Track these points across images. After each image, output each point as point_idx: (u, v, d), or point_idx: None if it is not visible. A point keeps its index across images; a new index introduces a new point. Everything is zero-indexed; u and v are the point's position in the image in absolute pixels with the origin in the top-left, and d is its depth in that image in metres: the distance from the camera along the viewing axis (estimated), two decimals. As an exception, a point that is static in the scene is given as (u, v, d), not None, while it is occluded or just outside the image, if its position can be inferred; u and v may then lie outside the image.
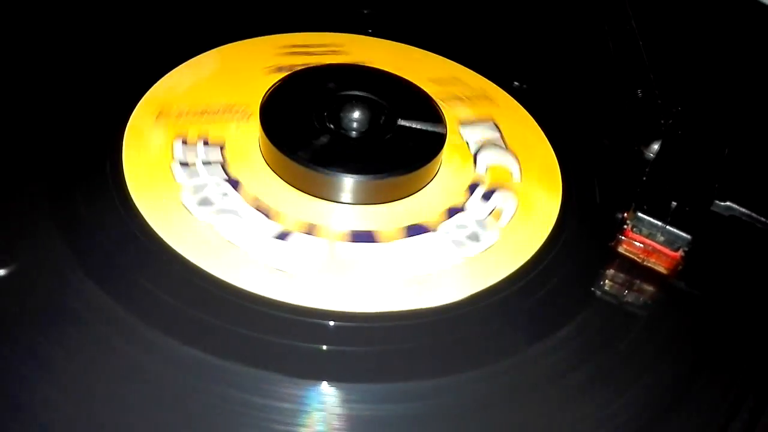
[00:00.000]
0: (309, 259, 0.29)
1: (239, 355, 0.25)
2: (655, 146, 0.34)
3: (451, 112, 0.35)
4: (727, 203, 0.32)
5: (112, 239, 0.28)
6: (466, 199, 0.32)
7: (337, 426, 0.24)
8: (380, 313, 0.27)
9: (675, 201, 0.31)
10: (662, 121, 0.34)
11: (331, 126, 0.32)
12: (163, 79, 0.35)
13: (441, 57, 0.39)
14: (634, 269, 0.30)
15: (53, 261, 0.27)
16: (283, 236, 0.29)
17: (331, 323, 0.27)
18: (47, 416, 0.23)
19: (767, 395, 0.27)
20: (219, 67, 0.37)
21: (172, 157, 0.32)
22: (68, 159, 0.31)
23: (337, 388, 0.25)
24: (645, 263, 0.31)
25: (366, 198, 0.30)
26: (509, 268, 0.29)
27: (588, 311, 0.29)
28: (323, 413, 0.24)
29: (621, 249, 0.31)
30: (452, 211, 0.31)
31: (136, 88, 0.35)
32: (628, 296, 0.30)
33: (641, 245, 0.31)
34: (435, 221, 0.31)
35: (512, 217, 0.31)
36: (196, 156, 0.32)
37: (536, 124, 0.36)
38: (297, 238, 0.29)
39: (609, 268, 0.30)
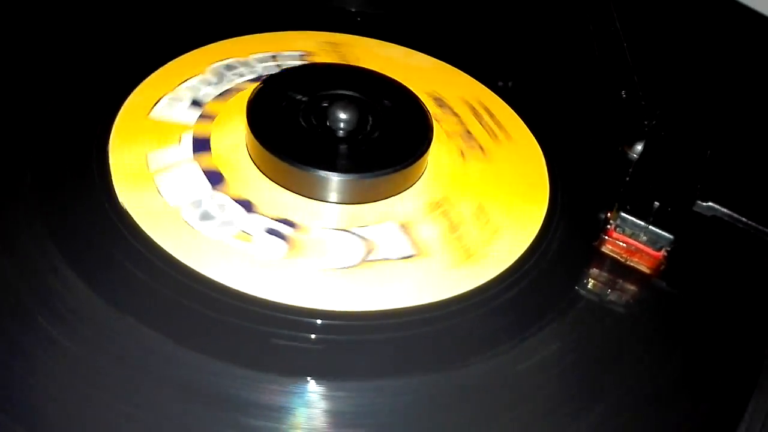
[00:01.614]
0: (217, 225, 0.29)
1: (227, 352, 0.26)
2: (639, 147, 0.34)
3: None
4: (709, 204, 0.32)
5: (97, 235, 0.28)
6: (408, 225, 0.31)
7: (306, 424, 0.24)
8: (368, 312, 0.27)
9: (658, 201, 0.31)
10: (646, 122, 0.35)
11: (316, 124, 0.31)
12: (155, 73, 0.35)
13: (424, 55, 0.40)
14: (617, 269, 0.31)
15: (39, 258, 0.27)
16: (267, 231, 0.29)
17: (318, 321, 0.27)
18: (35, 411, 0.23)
19: (748, 393, 0.27)
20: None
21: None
22: (55, 155, 0.31)
23: (321, 384, 0.25)
24: (628, 263, 0.31)
25: (350, 197, 0.30)
26: (496, 268, 0.29)
27: (571, 310, 0.29)
28: (304, 410, 0.25)
29: (604, 248, 0.31)
30: (386, 229, 0.31)
31: (127, 82, 0.35)
32: (611, 295, 0.30)
33: (624, 245, 0.31)
34: (420, 220, 0.31)
35: (497, 218, 0.31)
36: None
37: (523, 123, 0.36)
38: (277, 233, 0.29)
39: (592, 268, 0.31)
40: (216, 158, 0.31)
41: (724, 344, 0.29)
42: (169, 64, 0.36)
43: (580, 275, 0.30)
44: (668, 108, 0.35)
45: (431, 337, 0.27)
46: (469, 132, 0.35)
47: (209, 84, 0.34)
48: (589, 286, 0.30)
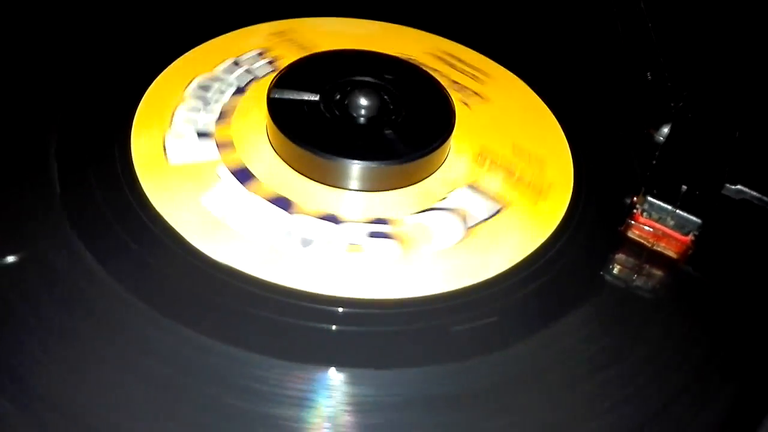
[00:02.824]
0: (323, 246, 0.29)
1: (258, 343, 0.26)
2: (665, 129, 0.34)
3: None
4: (738, 186, 0.32)
5: (119, 223, 0.28)
6: (476, 183, 0.32)
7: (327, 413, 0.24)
8: (399, 299, 0.27)
9: (685, 185, 0.30)
10: (672, 104, 0.34)
11: (338, 112, 0.31)
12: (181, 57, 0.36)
13: (370, 21, 0.40)
14: (644, 254, 0.30)
15: (63, 248, 0.27)
16: (370, 235, 0.29)
17: (340, 310, 0.27)
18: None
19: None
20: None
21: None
22: (78, 144, 0.31)
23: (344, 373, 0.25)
24: (655, 248, 0.30)
25: (376, 185, 0.30)
26: (521, 253, 0.29)
27: (597, 296, 0.29)
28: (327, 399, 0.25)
29: (630, 234, 0.31)
30: (462, 194, 0.31)
31: (148, 72, 0.35)
32: (638, 281, 0.29)
33: (651, 230, 0.30)
34: (480, 177, 0.31)
35: (534, 149, 0.32)
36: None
37: (547, 108, 0.36)
38: (308, 225, 0.29)
39: (618, 253, 0.30)
40: (265, 185, 0.30)
41: (752, 329, 0.29)
42: (146, 94, 0.34)
43: (606, 261, 0.30)
44: (695, 89, 0.35)
45: (451, 327, 0.27)
46: (456, 82, 0.36)
47: (198, 110, 0.33)
48: (615, 271, 0.30)
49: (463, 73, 0.37)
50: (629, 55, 0.37)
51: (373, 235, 0.29)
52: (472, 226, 0.30)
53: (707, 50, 0.38)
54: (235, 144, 0.32)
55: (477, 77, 0.37)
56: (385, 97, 0.32)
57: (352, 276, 0.28)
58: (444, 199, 0.31)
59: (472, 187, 0.31)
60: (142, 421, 0.23)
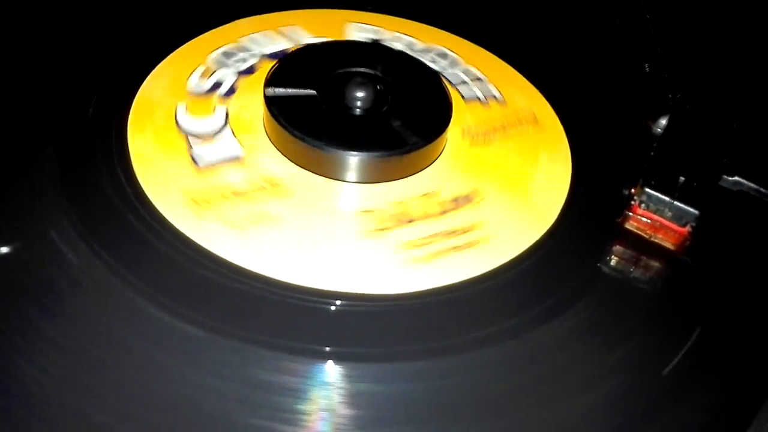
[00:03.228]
0: (319, 239, 0.29)
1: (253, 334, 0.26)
2: (663, 121, 0.34)
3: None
4: (736, 178, 0.32)
5: (115, 213, 0.28)
6: (430, 209, 0.31)
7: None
8: (395, 294, 0.27)
9: (683, 176, 0.31)
10: (670, 96, 0.34)
11: (335, 103, 0.31)
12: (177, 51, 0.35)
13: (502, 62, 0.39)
14: (642, 245, 0.30)
15: (59, 237, 0.27)
16: (288, 214, 0.29)
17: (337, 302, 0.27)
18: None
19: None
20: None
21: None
22: (74, 134, 0.31)
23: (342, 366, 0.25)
24: (652, 239, 0.30)
25: (370, 176, 0.30)
26: (519, 246, 0.29)
27: (595, 288, 0.29)
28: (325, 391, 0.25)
29: (628, 225, 0.31)
30: (458, 186, 0.31)
31: (145, 62, 0.35)
32: (636, 272, 0.29)
33: (649, 221, 0.30)
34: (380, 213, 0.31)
35: (519, 195, 0.31)
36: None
37: (545, 100, 0.36)
38: (304, 216, 0.29)
39: (616, 245, 0.30)
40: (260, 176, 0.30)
41: (750, 320, 0.29)
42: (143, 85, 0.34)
43: (604, 252, 0.30)
44: (693, 81, 0.35)
45: (451, 320, 0.27)
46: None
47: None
48: (613, 263, 0.30)
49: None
50: (627, 47, 0.37)
51: (369, 227, 0.29)
52: (469, 219, 0.30)
53: (705, 42, 0.38)
54: (235, 96, 0.33)
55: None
56: (380, 87, 0.32)
57: (348, 269, 0.28)
58: (440, 192, 0.31)
59: (468, 178, 0.31)
60: (133, 408, 0.23)
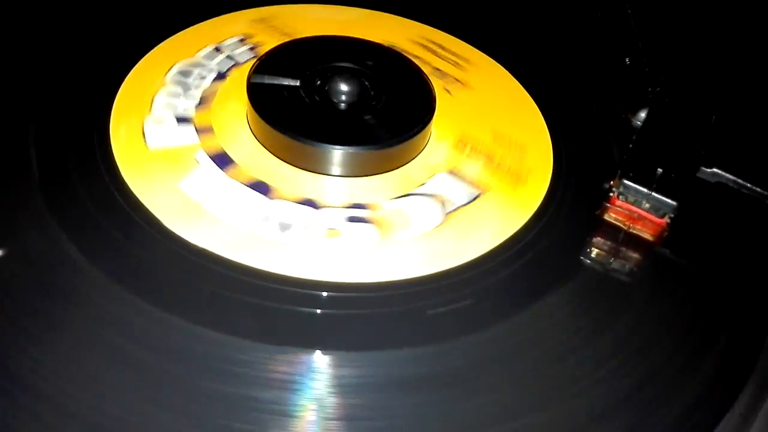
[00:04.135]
0: (301, 231, 0.29)
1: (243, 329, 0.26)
2: (642, 114, 0.34)
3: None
4: (714, 170, 0.32)
5: (99, 210, 0.29)
6: (455, 169, 0.32)
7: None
8: (378, 283, 0.28)
9: (661, 168, 0.31)
10: (649, 89, 0.34)
11: (318, 98, 0.31)
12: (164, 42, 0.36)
13: (352, 8, 0.40)
14: (620, 236, 0.31)
15: (45, 241, 0.27)
16: (349, 220, 0.29)
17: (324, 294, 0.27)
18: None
19: (753, 359, 0.27)
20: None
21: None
22: (57, 132, 0.31)
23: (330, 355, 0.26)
24: (631, 230, 0.31)
25: (355, 170, 0.30)
26: (499, 237, 0.30)
27: (574, 278, 0.29)
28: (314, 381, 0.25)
29: (607, 216, 0.31)
30: (441, 180, 0.31)
31: (129, 57, 0.35)
32: (614, 263, 0.30)
33: (627, 212, 0.31)
34: (460, 163, 0.32)
35: (514, 135, 0.32)
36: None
37: (527, 94, 0.36)
38: (286, 210, 0.29)
39: (595, 236, 0.31)
40: (244, 170, 0.30)
41: (728, 311, 0.29)
42: (126, 80, 0.34)
43: (583, 244, 0.30)
44: (672, 74, 0.35)
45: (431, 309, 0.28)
46: (438, 69, 0.37)
47: (178, 96, 0.33)
48: (592, 254, 0.30)
49: (445, 60, 0.37)
50: (608, 41, 0.38)
51: (352, 219, 0.29)
52: (451, 211, 0.30)
53: (685, 36, 0.38)
54: (214, 129, 0.32)
55: (459, 64, 0.37)
56: (366, 83, 0.32)
57: (331, 260, 0.28)
58: (423, 184, 0.31)
59: (451, 172, 0.32)
60: (125, 407, 0.24)
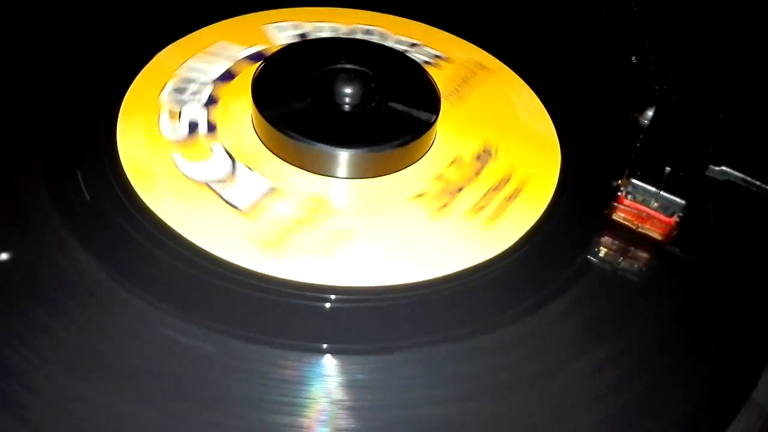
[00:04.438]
0: (307, 233, 0.29)
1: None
2: (650, 112, 0.34)
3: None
4: (722, 168, 0.32)
5: (106, 214, 0.29)
6: (465, 172, 0.32)
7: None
8: (384, 286, 0.28)
9: (669, 166, 0.31)
10: (656, 87, 0.34)
11: (322, 100, 0.31)
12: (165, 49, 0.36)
13: (432, 27, 0.39)
14: (629, 236, 0.30)
15: (53, 243, 0.27)
16: (279, 208, 0.29)
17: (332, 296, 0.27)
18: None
19: (763, 358, 0.27)
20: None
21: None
22: (65, 135, 0.31)
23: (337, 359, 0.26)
24: (639, 230, 0.31)
25: (361, 172, 0.30)
26: (507, 239, 0.29)
27: (583, 279, 0.29)
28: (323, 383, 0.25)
29: (615, 216, 0.31)
30: (448, 183, 0.31)
31: (137, 59, 0.35)
32: (623, 263, 0.30)
33: (635, 212, 0.30)
34: (430, 193, 0.31)
35: (508, 188, 0.32)
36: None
37: (532, 92, 0.36)
38: (292, 210, 0.29)
39: (603, 236, 0.30)
40: (249, 171, 0.30)
41: (737, 310, 0.29)
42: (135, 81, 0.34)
43: (592, 244, 0.30)
44: (679, 72, 0.35)
45: (441, 311, 0.28)
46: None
47: (185, 96, 0.33)
48: (600, 254, 0.30)
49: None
50: (614, 39, 0.37)
51: (358, 221, 0.29)
52: (458, 214, 0.30)
53: (691, 34, 0.38)
54: (220, 129, 0.32)
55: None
56: (371, 84, 0.32)
57: (341, 263, 0.28)
58: (429, 187, 0.31)
59: (457, 174, 0.32)
60: (133, 408, 0.24)
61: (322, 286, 0.27)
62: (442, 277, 0.28)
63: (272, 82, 0.32)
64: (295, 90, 0.32)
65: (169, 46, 0.36)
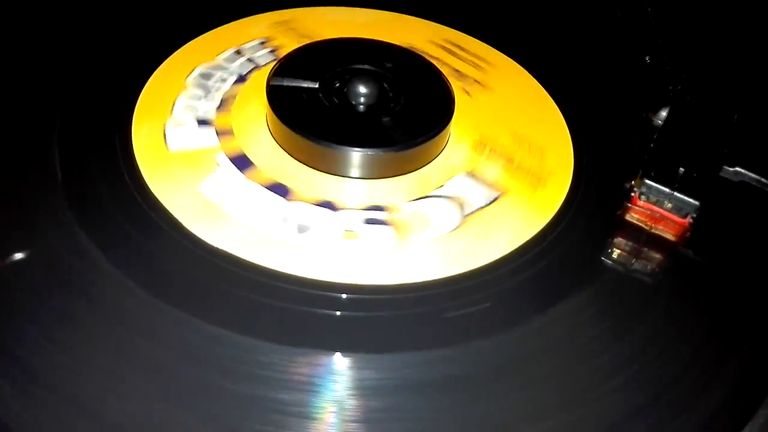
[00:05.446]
0: (319, 232, 0.29)
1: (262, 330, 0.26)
2: (663, 113, 0.34)
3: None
4: (736, 168, 0.32)
5: (120, 211, 0.29)
6: (474, 170, 0.32)
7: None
8: (395, 285, 0.28)
9: (683, 167, 0.30)
10: (670, 87, 0.34)
11: (337, 100, 0.32)
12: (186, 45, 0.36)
13: (374, 10, 0.40)
14: (642, 237, 0.30)
15: (68, 242, 0.28)
16: (366, 222, 0.29)
17: (343, 296, 0.27)
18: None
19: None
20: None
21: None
22: (80, 133, 0.32)
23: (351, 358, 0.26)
24: (653, 231, 0.30)
25: (373, 172, 0.31)
26: (519, 239, 0.30)
27: (596, 280, 0.29)
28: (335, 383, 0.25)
29: (629, 217, 0.31)
30: (460, 182, 0.31)
31: (151, 61, 0.35)
32: (636, 264, 0.30)
33: (649, 212, 0.30)
34: (479, 164, 0.32)
35: (535, 138, 0.32)
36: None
37: (548, 95, 0.36)
38: (305, 211, 0.29)
39: (617, 237, 0.30)
40: (263, 172, 0.31)
41: (751, 311, 0.29)
42: (148, 83, 0.34)
43: (605, 245, 0.30)
44: (693, 72, 0.35)
45: (454, 311, 0.28)
46: (457, 71, 0.37)
47: (199, 99, 0.33)
48: (614, 255, 0.30)
49: (464, 62, 0.37)
50: (628, 40, 0.37)
51: (369, 221, 0.29)
52: (470, 213, 0.30)
53: (706, 34, 0.38)
54: (234, 131, 0.32)
55: (478, 65, 0.37)
56: (385, 85, 0.32)
57: (348, 262, 0.28)
58: (442, 186, 0.31)
59: (470, 174, 0.32)
60: (145, 407, 0.24)
61: (343, 285, 0.27)
62: (443, 278, 0.28)
63: (287, 82, 0.32)
64: (310, 91, 0.32)
65: (186, 44, 0.36)
